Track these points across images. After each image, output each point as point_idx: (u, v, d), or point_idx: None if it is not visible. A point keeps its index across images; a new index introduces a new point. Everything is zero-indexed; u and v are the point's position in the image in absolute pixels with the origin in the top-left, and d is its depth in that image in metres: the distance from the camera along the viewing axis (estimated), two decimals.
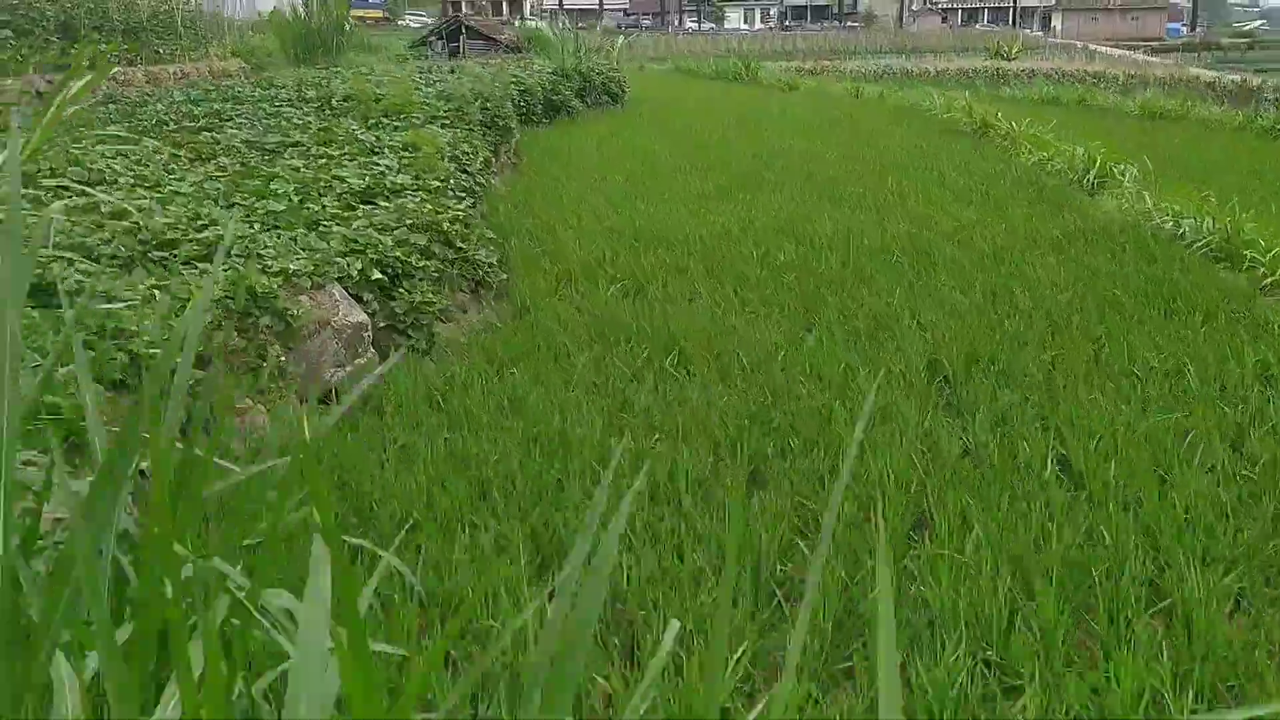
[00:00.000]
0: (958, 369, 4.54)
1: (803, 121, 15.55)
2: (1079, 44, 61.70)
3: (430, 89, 12.50)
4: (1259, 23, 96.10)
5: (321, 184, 6.52)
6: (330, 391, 4.81)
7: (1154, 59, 50.05)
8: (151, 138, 9.03)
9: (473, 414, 4.12)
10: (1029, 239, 7.32)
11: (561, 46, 17.98)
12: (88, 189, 6.57)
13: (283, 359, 4.52)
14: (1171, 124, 19.16)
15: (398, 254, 5.35)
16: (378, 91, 11.46)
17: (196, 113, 10.73)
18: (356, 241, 5.29)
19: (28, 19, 13.83)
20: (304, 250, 5.16)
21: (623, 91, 19.08)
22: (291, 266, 4.85)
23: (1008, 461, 3.58)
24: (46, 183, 6.48)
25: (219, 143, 8.50)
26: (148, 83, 15.74)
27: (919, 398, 4.22)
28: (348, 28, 22.94)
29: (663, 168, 10.88)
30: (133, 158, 7.76)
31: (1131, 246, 6.89)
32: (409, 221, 5.78)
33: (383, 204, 6.10)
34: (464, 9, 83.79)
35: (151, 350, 4.00)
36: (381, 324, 5.13)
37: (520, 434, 3.87)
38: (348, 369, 4.90)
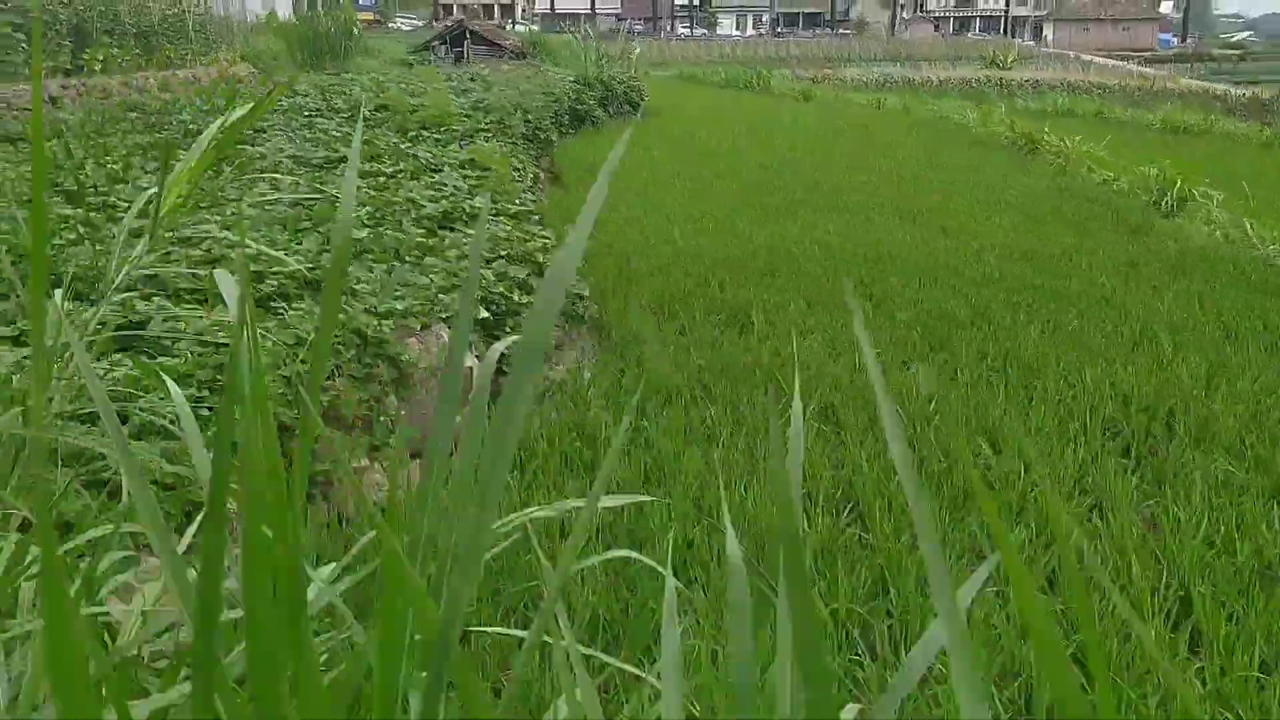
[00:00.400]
0: (1136, 427, 4.16)
1: (835, 135, 15.20)
2: (1072, 54, 61.80)
3: (464, 99, 12.08)
4: (1246, 34, 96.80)
5: (396, 207, 6.08)
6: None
7: (1148, 70, 50.10)
8: (182, 149, 8.58)
9: (627, 483, 3.70)
10: (1128, 265, 6.97)
11: (584, 55, 17.56)
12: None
13: (403, 413, 4.09)
14: (1195, 138, 18.96)
15: (500, 289, 4.93)
16: (413, 102, 11.02)
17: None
18: (457, 276, 4.86)
19: (40, 22, 13.31)
20: (402, 285, 4.74)
21: (642, 100, 18.71)
22: (399, 306, 4.42)
23: (1248, 548, 3.19)
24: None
25: (264, 156, 8.05)
26: (160, 88, 15.25)
27: (1110, 461, 3.84)
28: (355, 32, 22.46)
29: (707, 184, 10.48)
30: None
31: (1247, 279, 6.54)
32: (504, 252, 5.36)
33: (470, 231, 5.68)
34: (455, 13, 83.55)
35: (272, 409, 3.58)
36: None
37: (686, 510, 3.46)
38: (457, 419, 4.47)
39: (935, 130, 15.91)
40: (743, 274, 6.70)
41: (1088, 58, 58.06)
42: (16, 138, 10.37)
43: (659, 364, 4.93)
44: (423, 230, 5.69)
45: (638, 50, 20.67)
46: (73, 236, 5.48)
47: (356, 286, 4.74)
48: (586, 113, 15.96)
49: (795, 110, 20.61)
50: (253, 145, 8.67)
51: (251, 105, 2.97)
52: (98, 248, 4.80)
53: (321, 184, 7.40)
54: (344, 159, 8.31)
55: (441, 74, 18.40)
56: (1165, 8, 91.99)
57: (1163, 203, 8.99)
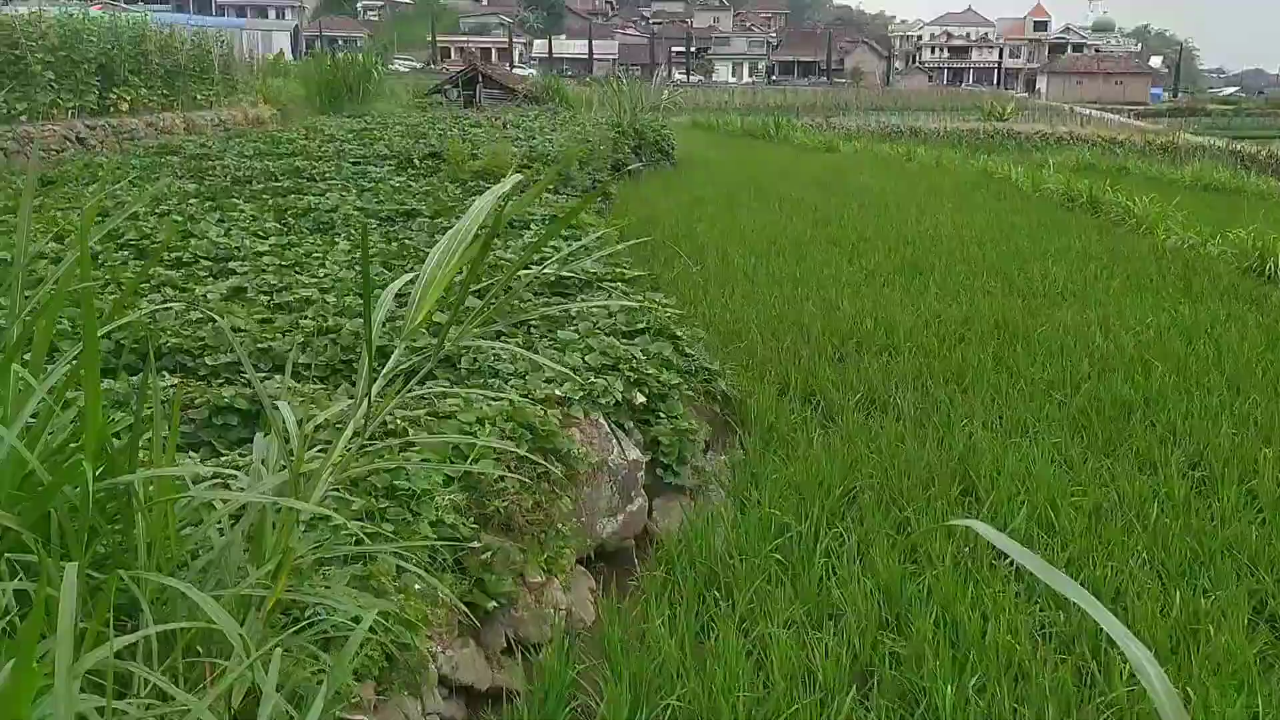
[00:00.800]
0: None
1: (885, 191, 14.82)
2: (1066, 107, 62.23)
3: (516, 147, 11.67)
4: (1234, 89, 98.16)
5: (506, 271, 5.58)
6: (602, 548, 3.88)
7: (1142, 123, 50.35)
8: (235, 198, 8.13)
9: (836, 595, 3.21)
10: (1271, 340, 6.54)
11: (619, 102, 17.24)
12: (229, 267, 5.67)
13: (582, 520, 3.58)
14: (1230, 196, 18.72)
15: (651, 370, 4.43)
16: (468, 149, 10.60)
17: (274, 169, 9.80)
18: (607, 355, 4.37)
19: (69, 61, 12.87)
20: (547, 365, 4.24)
21: (672, 148, 18.39)
22: (557, 392, 3.93)
23: None
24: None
25: (335, 209, 7.57)
26: (186, 130, 14.78)
27: None
28: (376, 76, 22.12)
29: (775, 239, 9.99)
30: (250, 228, 6.83)
31: None
32: (641, 325, 4.87)
33: (586, 299, 5.20)
34: (452, 56, 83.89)
35: (450, 518, 3.08)
36: (646, 458, 4.21)
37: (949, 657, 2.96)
38: (620, 518, 3.97)
39: (984, 187, 15.51)
40: (864, 349, 6.25)
41: (1084, 110, 58.47)
42: (50, 180, 9.88)
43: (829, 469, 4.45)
44: (540, 299, 5.21)
45: (665, 95, 20.37)
46: (160, 299, 5.00)
47: (495, 364, 4.25)
48: (622, 161, 15.61)
49: (825, 163, 20.21)
50: (313, 196, 8.20)
51: (509, 183, 2.44)
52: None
53: (395, 238, 6.94)
54: (413, 212, 7.85)
55: (468, 119, 18.03)
56: (1154, 63, 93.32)
57: (1264, 269, 8.60)
